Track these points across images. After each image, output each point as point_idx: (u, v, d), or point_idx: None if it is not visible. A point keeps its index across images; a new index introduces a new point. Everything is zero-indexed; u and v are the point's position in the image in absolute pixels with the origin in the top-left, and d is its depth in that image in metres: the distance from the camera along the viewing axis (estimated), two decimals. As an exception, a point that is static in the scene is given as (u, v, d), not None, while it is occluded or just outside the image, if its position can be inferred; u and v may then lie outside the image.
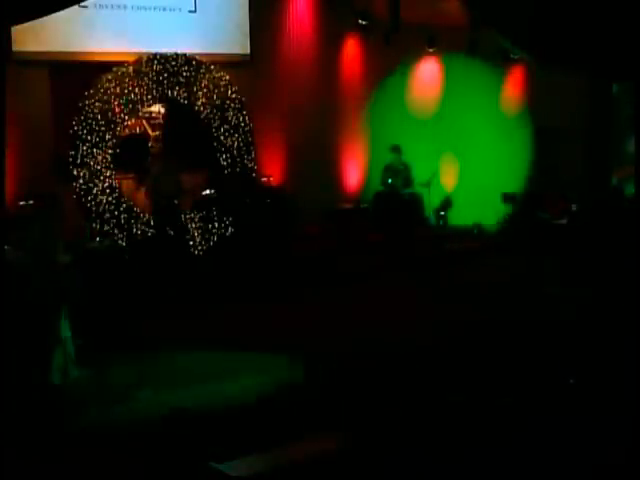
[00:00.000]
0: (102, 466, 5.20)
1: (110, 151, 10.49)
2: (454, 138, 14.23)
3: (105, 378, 6.76)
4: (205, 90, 11.22)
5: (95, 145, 10.38)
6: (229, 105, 11.42)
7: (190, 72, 11.12)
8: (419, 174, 13.38)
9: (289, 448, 4.80)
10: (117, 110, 10.52)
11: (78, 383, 6.71)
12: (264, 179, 12.40)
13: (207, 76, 11.26)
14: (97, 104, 10.42)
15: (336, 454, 4.58)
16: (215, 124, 11.33)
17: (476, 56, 14.17)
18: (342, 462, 4.48)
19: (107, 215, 10.40)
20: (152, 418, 5.90)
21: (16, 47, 10.41)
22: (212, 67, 11.34)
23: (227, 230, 11.24)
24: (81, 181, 10.27)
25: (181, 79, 11.04)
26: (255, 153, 11.71)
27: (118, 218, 10.45)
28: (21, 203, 9.87)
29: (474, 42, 13.78)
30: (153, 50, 10.97)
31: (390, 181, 13.20)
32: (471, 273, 11.31)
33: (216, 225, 11.17)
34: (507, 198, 14.36)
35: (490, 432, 4.74)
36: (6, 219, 7.67)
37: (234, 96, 11.46)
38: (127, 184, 10.84)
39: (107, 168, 10.45)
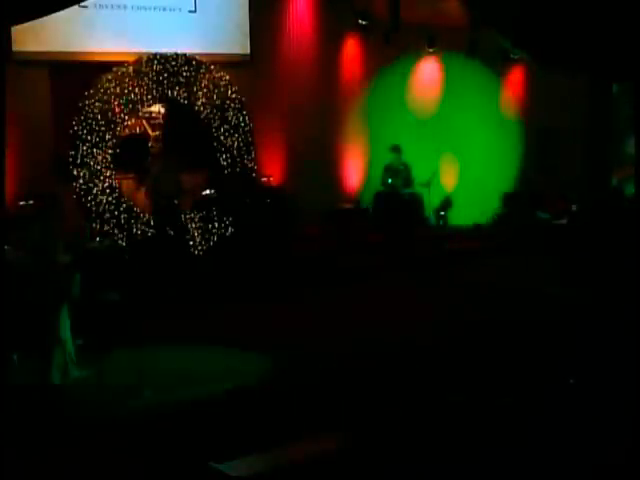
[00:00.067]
0: (102, 466, 5.20)
1: (110, 151, 10.49)
2: (454, 138, 14.24)
3: (105, 378, 6.75)
4: (205, 90, 11.22)
5: (95, 145, 10.38)
6: (229, 105, 11.42)
7: (190, 72, 11.12)
8: (419, 174, 13.38)
9: (289, 448, 4.80)
10: (117, 110, 10.53)
11: (78, 383, 6.72)
12: (264, 179, 12.40)
13: (207, 76, 11.26)
14: (97, 104, 10.42)
15: (336, 454, 4.58)
16: (215, 124, 11.32)
17: (476, 56, 14.19)
18: (342, 462, 4.48)
19: (107, 215, 10.40)
20: (152, 418, 5.90)
21: (16, 47, 10.42)
22: (212, 67, 11.34)
23: (227, 230, 11.24)
24: (81, 181, 10.27)
25: (181, 79, 11.04)
26: (255, 153, 11.71)
27: (118, 218, 10.46)
28: (21, 203, 9.88)
29: (474, 42, 13.79)
30: (153, 50, 10.97)
31: (390, 181, 13.20)
32: (471, 273, 11.32)
33: (216, 225, 11.17)
34: (507, 198, 14.38)
35: (490, 432, 4.74)
36: (6, 219, 7.66)
37: (234, 96, 11.46)
38: (127, 184, 10.84)
39: (107, 168, 10.46)
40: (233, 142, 11.45)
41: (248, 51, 12.48)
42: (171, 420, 5.81)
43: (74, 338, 6.89)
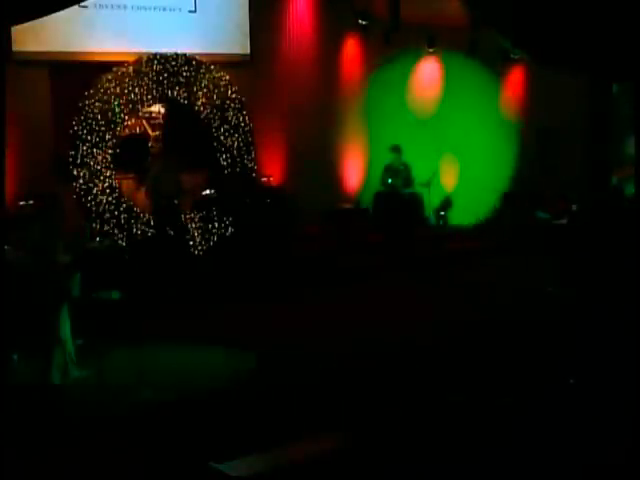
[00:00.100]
0: (102, 466, 5.20)
1: (110, 151, 10.48)
2: (454, 138, 14.23)
3: (105, 378, 6.76)
4: (205, 90, 11.22)
5: (95, 145, 10.38)
6: (229, 105, 11.42)
7: (190, 72, 11.12)
8: (419, 174, 13.38)
9: (289, 448, 4.80)
10: (117, 110, 10.52)
11: (78, 383, 6.72)
12: (264, 179, 12.40)
13: (207, 76, 11.26)
14: (97, 104, 10.42)
15: (336, 454, 4.58)
16: (215, 124, 11.32)
17: (476, 56, 14.18)
18: (342, 462, 4.48)
19: (107, 215, 10.40)
20: (152, 418, 5.90)
21: (16, 47, 10.41)
22: (212, 67, 11.34)
23: (227, 230, 11.24)
24: (81, 181, 10.27)
25: (181, 79, 11.04)
26: (255, 153, 11.70)
27: (118, 218, 10.45)
28: (21, 203, 9.87)
29: (474, 42, 13.79)
30: (153, 50, 10.96)
31: (390, 181, 13.20)
32: (471, 273, 11.32)
33: (216, 225, 11.17)
34: (507, 198, 14.37)
35: (490, 432, 4.74)
36: (6, 219, 7.66)
37: (234, 96, 11.46)
38: (127, 184, 10.84)
39: (107, 168, 10.45)
40: (233, 142, 11.45)
41: (248, 51, 12.47)
42: (171, 420, 5.82)
43: (74, 338, 6.89)
